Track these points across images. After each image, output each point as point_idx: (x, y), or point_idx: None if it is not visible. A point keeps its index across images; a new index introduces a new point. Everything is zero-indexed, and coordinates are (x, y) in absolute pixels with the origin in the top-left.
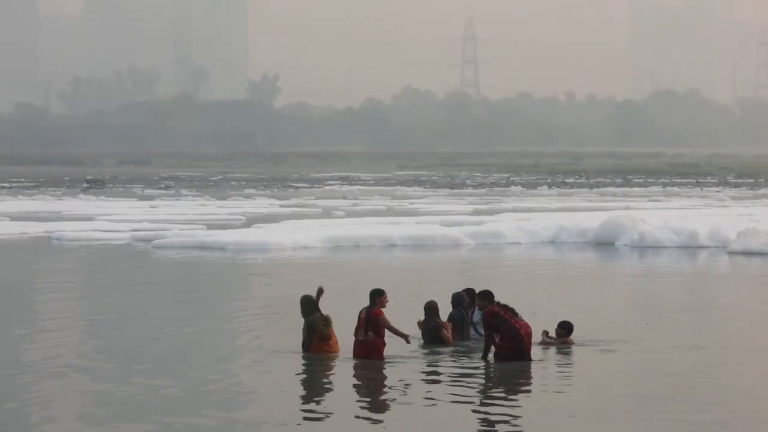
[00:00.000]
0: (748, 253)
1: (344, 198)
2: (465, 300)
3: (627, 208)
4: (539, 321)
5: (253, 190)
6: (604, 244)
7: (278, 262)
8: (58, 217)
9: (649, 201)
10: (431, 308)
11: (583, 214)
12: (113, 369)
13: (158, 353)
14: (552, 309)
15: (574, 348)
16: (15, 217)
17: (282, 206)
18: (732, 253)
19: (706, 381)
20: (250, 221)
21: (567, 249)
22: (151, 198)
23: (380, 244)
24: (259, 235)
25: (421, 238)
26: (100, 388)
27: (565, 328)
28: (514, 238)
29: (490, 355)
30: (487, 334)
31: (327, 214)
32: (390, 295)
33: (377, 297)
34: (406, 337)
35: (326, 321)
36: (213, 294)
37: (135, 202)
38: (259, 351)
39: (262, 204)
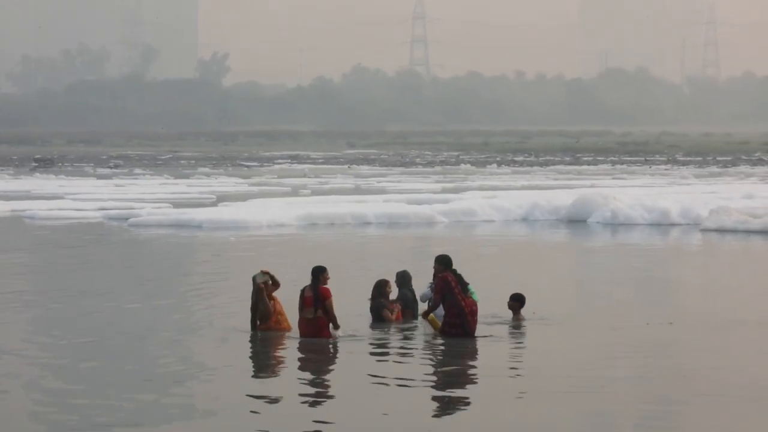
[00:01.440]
0: (721, 231)
1: (305, 176)
2: (410, 278)
3: (593, 186)
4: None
5: (207, 169)
6: (576, 221)
7: (255, 239)
8: (24, 196)
9: (614, 179)
10: (378, 287)
11: (554, 192)
12: (68, 346)
13: (117, 330)
14: (517, 284)
15: (524, 323)
16: None
17: (251, 185)
18: (705, 230)
19: (657, 357)
20: (220, 200)
21: (540, 226)
22: (107, 177)
23: (354, 221)
24: (235, 213)
25: (394, 216)
26: (49, 364)
27: (517, 301)
28: (487, 216)
29: (435, 332)
30: (436, 300)
31: (295, 192)
32: (363, 272)
33: (320, 274)
34: (336, 326)
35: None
36: (185, 271)
37: (100, 181)
38: (210, 329)
39: (228, 183)
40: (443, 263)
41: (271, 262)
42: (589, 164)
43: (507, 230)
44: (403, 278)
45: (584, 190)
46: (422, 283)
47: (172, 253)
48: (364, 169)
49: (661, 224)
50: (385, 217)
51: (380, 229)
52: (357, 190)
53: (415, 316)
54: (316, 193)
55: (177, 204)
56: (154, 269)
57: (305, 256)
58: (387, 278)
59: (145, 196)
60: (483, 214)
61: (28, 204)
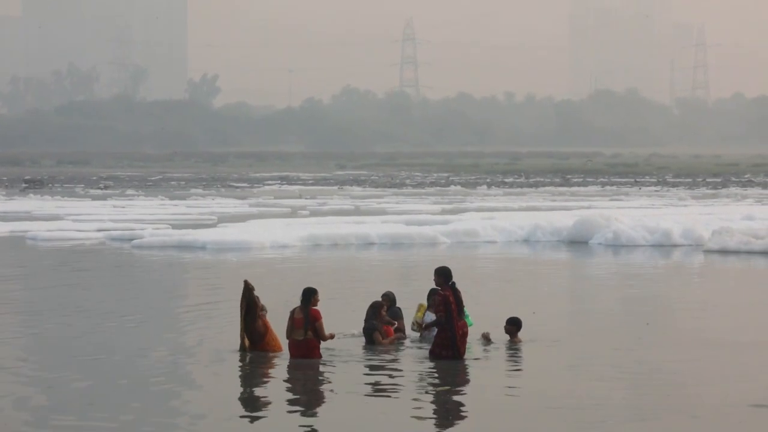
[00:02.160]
0: (724, 252)
1: (300, 197)
2: (394, 299)
3: (590, 207)
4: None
5: (200, 190)
6: (578, 242)
7: (258, 261)
8: (23, 217)
9: (611, 200)
10: (373, 308)
11: (554, 213)
12: (61, 363)
13: (112, 350)
14: (517, 305)
15: (521, 345)
16: None
17: (251, 206)
18: (708, 251)
19: (649, 379)
20: (221, 221)
21: (541, 247)
22: (103, 198)
23: (358, 242)
24: (238, 234)
25: (397, 237)
26: (43, 380)
27: (513, 325)
28: (489, 237)
29: (425, 349)
30: (441, 315)
31: (294, 213)
32: (365, 293)
33: (311, 296)
34: (332, 336)
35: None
36: (187, 292)
37: (97, 202)
38: (200, 348)
39: (227, 204)
40: (443, 275)
41: (275, 283)
42: (579, 185)
43: (509, 251)
44: (390, 299)
45: (585, 212)
46: (422, 297)
47: (175, 275)
48: (357, 190)
49: (663, 245)
50: (388, 238)
51: (383, 249)
52: (356, 211)
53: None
54: (314, 213)
55: (178, 225)
56: (157, 290)
57: (309, 278)
58: (381, 301)
59: (145, 217)
60: (485, 235)
61: (28, 225)
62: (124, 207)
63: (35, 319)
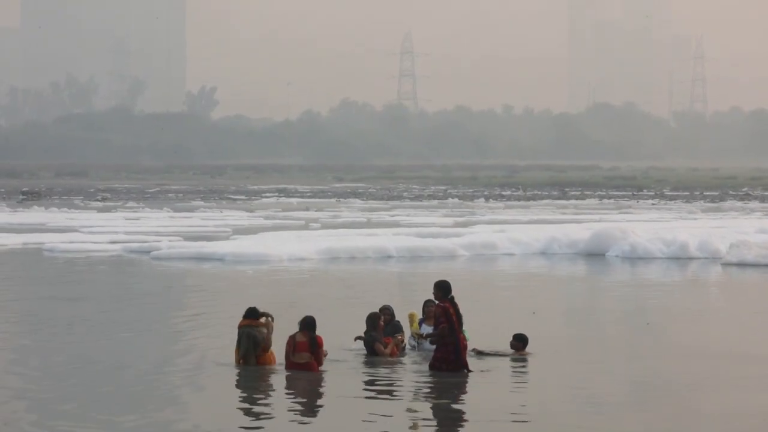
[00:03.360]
0: (742, 265)
1: (307, 209)
2: (392, 311)
3: (600, 220)
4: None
5: (201, 202)
6: (594, 255)
7: (277, 273)
8: (34, 229)
9: (620, 213)
10: (371, 320)
11: (565, 226)
12: (66, 371)
13: (131, 359)
14: (530, 317)
15: (526, 357)
16: None
17: (266, 219)
18: (726, 264)
19: (657, 389)
20: (236, 233)
21: (558, 260)
22: (109, 210)
23: (376, 255)
24: (256, 246)
25: (416, 250)
26: (41, 388)
27: (520, 341)
28: (507, 249)
29: (424, 365)
30: (444, 327)
31: (306, 226)
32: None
33: (315, 323)
34: (325, 355)
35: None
36: (202, 303)
37: (109, 215)
38: (204, 360)
39: (239, 216)
40: (442, 289)
41: (293, 294)
42: (576, 198)
43: (526, 263)
44: (386, 311)
45: (602, 225)
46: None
47: (195, 286)
48: (358, 202)
49: (680, 258)
50: (406, 251)
51: (402, 262)
52: (368, 224)
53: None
54: (326, 226)
55: (193, 237)
56: (179, 301)
57: (328, 290)
58: (378, 312)
59: (159, 230)
60: (503, 247)
61: (41, 237)
62: (138, 219)
63: (67, 331)
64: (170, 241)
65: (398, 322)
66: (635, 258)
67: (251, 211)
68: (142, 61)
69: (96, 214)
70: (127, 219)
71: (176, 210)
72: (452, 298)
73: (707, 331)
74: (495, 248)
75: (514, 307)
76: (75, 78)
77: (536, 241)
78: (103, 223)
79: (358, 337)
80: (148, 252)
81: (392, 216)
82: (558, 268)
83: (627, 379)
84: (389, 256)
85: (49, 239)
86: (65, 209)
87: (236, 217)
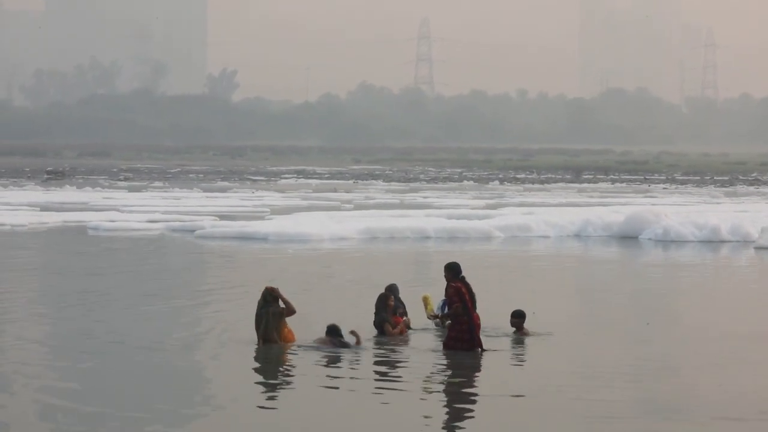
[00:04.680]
0: None
1: (335, 191)
2: (397, 290)
3: (627, 204)
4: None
5: (226, 183)
6: (628, 238)
7: (320, 252)
8: (72, 208)
9: (645, 197)
10: (381, 300)
11: (593, 209)
12: (102, 345)
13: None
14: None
15: (528, 338)
16: (13, 207)
17: (303, 199)
18: (759, 248)
19: (659, 372)
20: (274, 213)
21: (593, 242)
22: (144, 189)
23: (414, 236)
24: (298, 225)
25: (454, 231)
26: (67, 363)
27: (519, 317)
28: (542, 232)
29: (438, 342)
30: (458, 306)
31: (339, 207)
32: (421, 284)
33: (338, 332)
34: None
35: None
36: (244, 280)
37: (147, 194)
38: (218, 339)
39: (272, 197)
40: (451, 270)
41: (336, 272)
42: (589, 182)
43: (561, 245)
44: (392, 290)
45: (635, 208)
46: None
47: (243, 264)
48: (381, 184)
49: (712, 241)
50: (444, 232)
51: (438, 243)
52: (401, 205)
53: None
54: (359, 207)
55: (232, 217)
56: (228, 278)
57: (369, 269)
58: (387, 293)
59: (199, 209)
60: (538, 229)
61: (81, 216)
62: (179, 198)
63: (115, 306)
64: (212, 220)
65: (400, 301)
66: (668, 241)
67: (282, 191)
68: (165, 45)
69: (132, 193)
70: (163, 198)
71: (206, 190)
72: (463, 278)
73: (732, 312)
74: (530, 230)
75: (539, 287)
76: (98, 61)
77: (571, 224)
78: (141, 202)
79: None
80: (192, 231)
81: (425, 198)
82: (593, 250)
83: (636, 359)
84: (427, 237)
85: (88, 218)
86: (99, 188)
87: (271, 197)
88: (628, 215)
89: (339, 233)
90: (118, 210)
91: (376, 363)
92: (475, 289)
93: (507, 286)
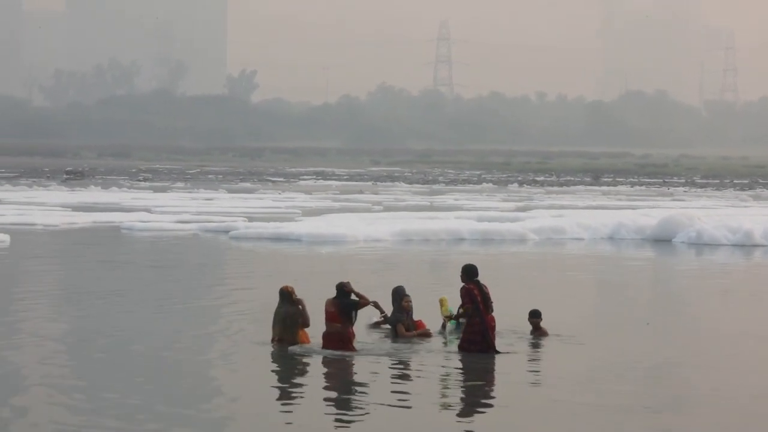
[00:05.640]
0: None
1: (361, 192)
2: (404, 292)
3: (655, 207)
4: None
5: (248, 184)
6: (661, 241)
7: (353, 254)
8: (104, 208)
9: (672, 200)
10: (395, 294)
11: (630, 212)
12: (119, 343)
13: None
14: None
15: (545, 339)
16: (40, 207)
17: (334, 201)
18: None
19: (672, 378)
20: (305, 214)
21: (626, 245)
22: (177, 190)
23: (449, 237)
24: (332, 227)
25: (488, 233)
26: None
27: (536, 316)
28: (576, 234)
29: (454, 346)
30: (469, 307)
31: (369, 208)
32: (448, 286)
33: (345, 292)
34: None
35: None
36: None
37: (176, 194)
38: (231, 340)
39: (300, 198)
40: (466, 272)
41: (366, 273)
42: (608, 185)
43: (595, 248)
44: (398, 293)
45: (671, 211)
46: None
47: (278, 265)
48: (403, 186)
49: (745, 245)
50: (478, 234)
51: (474, 245)
52: (430, 207)
53: (408, 329)
54: (388, 208)
55: (264, 218)
56: (262, 280)
57: (409, 272)
58: (402, 289)
59: (230, 210)
60: (571, 232)
61: (112, 216)
62: (211, 200)
63: (160, 305)
64: (243, 221)
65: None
66: (701, 244)
67: (310, 193)
68: (184, 45)
69: (160, 194)
70: (193, 199)
71: (230, 191)
72: (477, 281)
73: (758, 315)
74: (564, 233)
75: (570, 289)
76: (118, 61)
77: (603, 227)
78: (171, 203)
79: (379, 322)
80: (225, 232)
81: (456, 200)
82: (627, 253)
83: (654, 360)
84: (462, 239)
85: (118, 218)
86: (125, 189)
87: (301, 198)
88: (661, 218)
89: (373, 235)
90: (148, 211)
91: (387, 364)
92: (501, 292)
93: (541, 287)
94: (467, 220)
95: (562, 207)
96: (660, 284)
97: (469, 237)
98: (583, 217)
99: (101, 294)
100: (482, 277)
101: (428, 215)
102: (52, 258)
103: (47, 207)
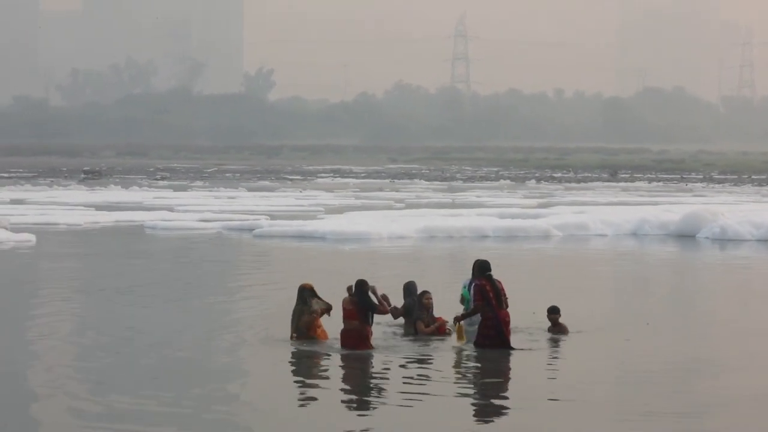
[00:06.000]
0: None
1: (381, 190)
2: (416, 288)
3: (677, 203)
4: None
5: (266, 182)
6: (685, 236)
7: (378, 251)
8: (126, 207)
9: (693, 196)
10: (406, 289)
11: (652, 208)
12: (139, 344)
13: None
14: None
15: (565, 336)
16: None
17: (357, 198)
18: None
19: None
20: (328, 212)
21: (649, 241)
22: (197, 189)
23: (472, 235)
24: (356, 225)
25: (512, 230)
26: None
27: (553, 313)
28: (599, 230)
29: (470, 345)
30: (478, 305)
31: (389, 206)
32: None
33: (363, 288)
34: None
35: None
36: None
37: (198, 193)
38: (252, 337)
39: (322, 196)
40: (478, 268)
41: (387, 272)
42: (626, 181)
43: (618, 244)
44: (409, 289)
45: (694, 207)
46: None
47: (300, 263)
48: (423, 183)
49: None
50: (502, 231)
51: (497, 242)
52: (452, 204)
53: (428, 325)
54: (410, 206)
55: (288, 216)
56: (284, 276)
57: (435, 268)
58: (406, 290)
59: (253, 208)
60: (595, 228)
61: (134, 215)
62: (234, 198)
63: (188, 301)
64: (266, 219)
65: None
66: (725, 240)
67: (331, 190)
68: (201, 44)
69: (181, 192)
70: (216, 198)
71: (250, 189)
72: (490, 275)
73: None
74: (587, 229)
75: (592, 285)
76: (135, 60)
77: (627, 223)
78: (193, 201)
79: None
80: (249, 230)
81: (478, 197)
82: (652, 249)
83: (666, 359)
84: (485, 236)
85: (140, 217)
86: (146, 188)
87: (324, 197)
88: (685, 214)
89: (397, 232)
90: (169, 209)
91: (404, 362)
92: (527, 288)
93: (567, 283)
94: (489, 217)
95: (583, 203)
96: (687, 280)
97: (492, 234)
98: (606, 214)
99: (131, 292)
100: (508, 274)
101: (450, 212)
102: (77, 257)
103: (69, 206)
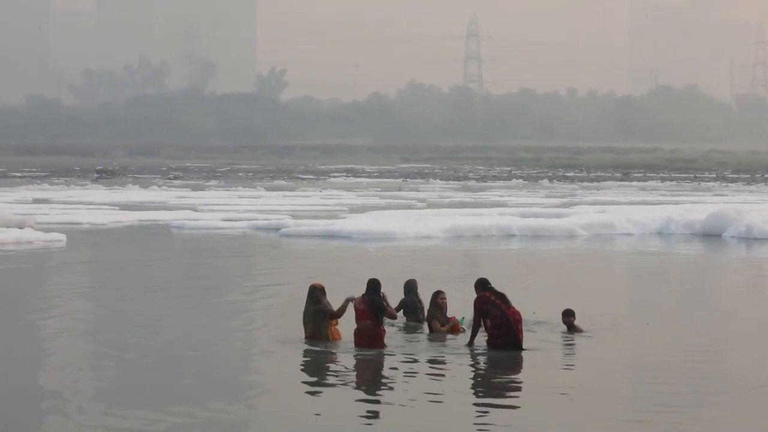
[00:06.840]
0: None
1: (400, 189)
2: (416, 287)
3: (697, 202)
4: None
5: (281, 182)
6: (711, 236)
7: (405, 250)
8: (148, 206)
9: (714, 195)
10: (432, 298)
11: (675, 207)
12: (157, 343)
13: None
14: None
15: (580, 336)
16: (82, 205)
17: (381, 198)
18: None
19: (701, 371)
20: (352, 211)
21: (675, 240)
22: (220, 188)
23: (499, 234)
24: (382, 224)
25: (538, 229)
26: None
27: (569, 315)
28: (625, 230)
29: (482, 342)
30: (476, 321)
31: (411, 205)
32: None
33: (377, 287)
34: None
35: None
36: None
37: (222, 192)
38: (270, 337)
39: (344, 196)
40: (478, 286)
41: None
42: (639, 180)
43: (644, 243)
44: (410, 286)
45: (720, 206)
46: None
47: (327, 262)
48: (439, 183)
49: None
50: (528, 230)
51: (523, 241)
52: (474, 203)
53: (418, 320)
54: (431, 205)
55: (312, 215)
56: (309, 275)
57: (457, 267)
58: (442, 289)
59: (277, 208)
60: (621, 227)
61: (156, 214)
62: (258, 197)
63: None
64: (289, 218)
65: (411, 298)
66: (751, 239)
67: (350, 190)
68: (213, 44)
69: (202, 192)
70: (240, 197)
71: (267, 189)
72: (491, 288)
73: None
74: (613, 228)
75: (613, 284)
76: (147, 60)
77: (652, 222)
78: (216, 201)
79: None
80: (276, 229)
81: (501, 197)
82: (679, 248)
83: (684, 356)
84: (512, 235)
85: (162, 217)
86: (165, 188)
87: (345, 196)
88: (710, 213)
89: (423, 232)
90: (193, 209)
91: (416, 363)
92: (556, 287)
93: (595, 282)
94: (512, 216)
95: (605, 203)
96: (717, 279)
97: (518, 233)
98: (630, 213)
99: (165, 291)
100: (536, 273)
101: (473, 211)
102: (111, 257)
103: (93, 206)
